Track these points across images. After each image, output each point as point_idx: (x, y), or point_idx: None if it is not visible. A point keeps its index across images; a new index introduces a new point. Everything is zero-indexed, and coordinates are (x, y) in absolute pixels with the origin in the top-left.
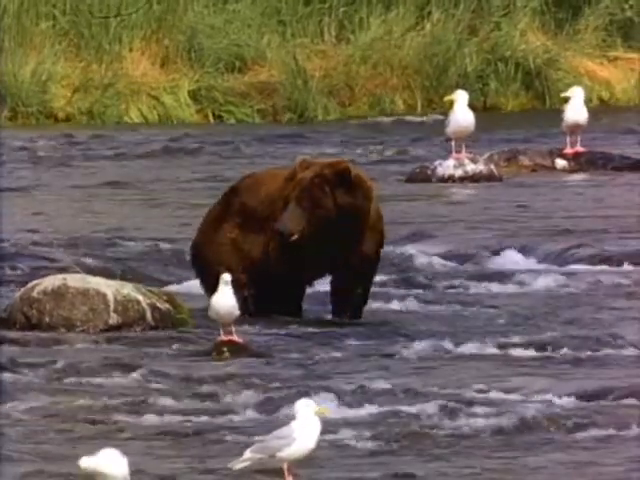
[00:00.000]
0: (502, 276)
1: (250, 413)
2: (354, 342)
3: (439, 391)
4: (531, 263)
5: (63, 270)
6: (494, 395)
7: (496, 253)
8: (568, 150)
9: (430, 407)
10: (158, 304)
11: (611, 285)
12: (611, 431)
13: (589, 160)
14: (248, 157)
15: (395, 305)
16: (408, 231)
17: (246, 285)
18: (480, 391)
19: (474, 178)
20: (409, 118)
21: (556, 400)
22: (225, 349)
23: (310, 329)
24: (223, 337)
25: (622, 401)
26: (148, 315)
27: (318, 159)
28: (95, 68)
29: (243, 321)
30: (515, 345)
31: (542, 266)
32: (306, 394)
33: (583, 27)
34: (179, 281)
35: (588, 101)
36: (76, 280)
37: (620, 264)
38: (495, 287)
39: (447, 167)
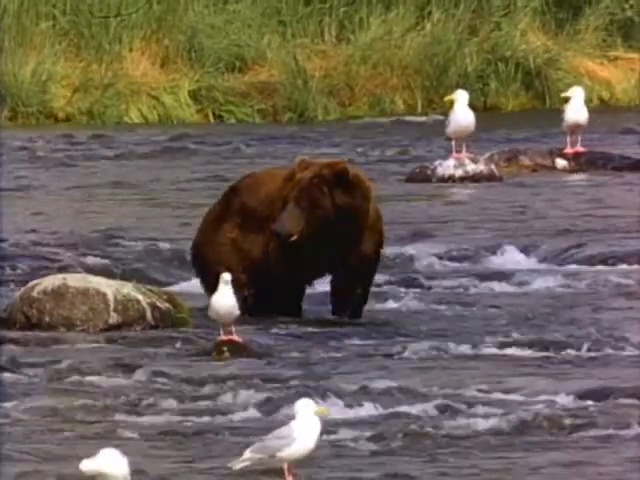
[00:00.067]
0: (502, 276)
1: (250, 413)
2: (354, 342)
3: (439, 391)
4: (531, 263)
5: (63, 270)
6: (494, 395)
7: (496, 253)
8: (568, 150)
9: (430, 407)
10: (158, 303)
11: (611, 285)
12: (611, 431)
13: (589, 160)
14: (248, 157)
15: (395, 305)
16: (408, 231)
17: (246, 285)
18: (480, 391)
19: (474, 178)
20: (409, 118)
21: (556, 400)
22: (225, 349)
23: (310, 329)
24: (223, 337)
25: (622, 401)
26: (148, 314)
27: (317, 159)
28: (95, 68)
29: (243, 321)
30: (515, 345)
31: (542, 266)
32: (306, 394)
33: (583, 27)
34: (179, 281)
35: (588, 101)
36: (76, 280)
37: (620, 264)
38: (495, 287)
39: (447, 167)
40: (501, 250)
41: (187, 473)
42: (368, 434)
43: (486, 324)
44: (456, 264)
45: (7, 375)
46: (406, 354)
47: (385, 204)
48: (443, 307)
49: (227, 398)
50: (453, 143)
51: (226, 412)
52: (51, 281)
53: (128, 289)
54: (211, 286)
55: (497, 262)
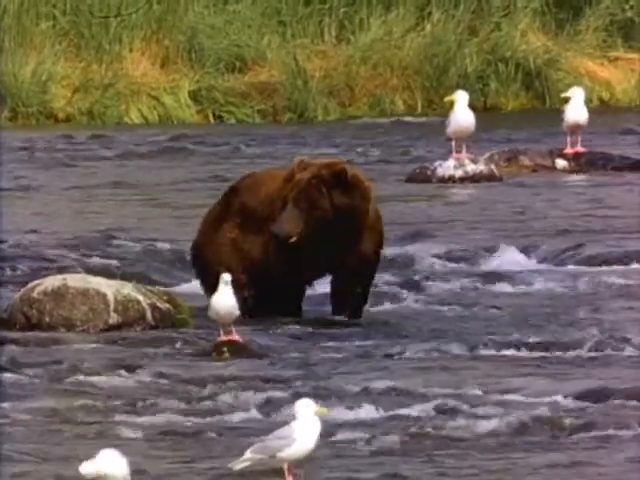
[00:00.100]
0: (502, 276)
1: (250, 413)
2: (354, 342)
3: (439, 391)
4: (531, 263)
5: (63, 270)
6: (494, 396)
7: (496, 253)
8: (568, 150)
9: (430, 408)
10: (158, 304)
11: (611, 285)
12: (611, 431)
13: (589, 160)
14: (248, 157)
15: (395, 305)
16: (408, 231)
17: (246, 285)
18: (480, 392)
19: (474, 178)
20: (409, 118)
21: (556, 401)
22: (225, 349)
23: (310, 329)
24: (223, 337)
25: (622, 401)
26: (148, 315)
27: (316, 159)
28: (95, 68)
29: (243, 321)
30: (515, 345)
31: (542, 266)
32: (306, 394)
33: (584, 27)
34: (179, 281)
35: (588, 101)
36: (76, 280)
37: (620, 264)
38: (495, 287)
39: (447, 167)
40: (501, 250)
41: (187, 473)
42: (368, 434)
43: (486, 324)
44: (456, 264)
45: (7, 375)
46: (406, 354)
47: (385, 204)
48: (443, 307)
49: (227, 398)
50: (453, 143)
51: (226, 412)
52: (51, 282)
53: (128, 289)
54: (211, 286)
55: (497, 262)
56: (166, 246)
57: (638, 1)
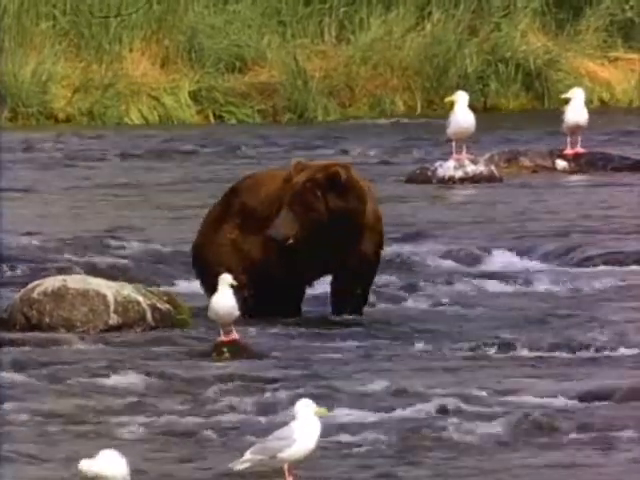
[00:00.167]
0: (502, 276)
1: (250, 413)
2: (354, 342)
3: (439, 391)
4: (531, 264)
5: (63, 271)
6: (494, 395)
7: (496, 254)
8: (568, 151)
9: (430, 408)
10: (158, 305)
11: (611, 285)
12: (611, 432)
13: (589, 161)
14: (248, 157)
15: (395, 305)
16: (408, 232)
17: (246, 286)
18: (480, 391)
19: (474, 179)
20: (409, 119)
21: (555, 401)
22: (225, 349)
23: (310, 329)
24: (223, 337)
25: (622, 401)
26: (148, 316)
27: (313, 161)
28: (95, 68)
29: (243, 321)
30: (515, 346)
31: (542, 266)
32: (306, 394)
33: (584, 28)
34: (179, 281)
35: (589, 102)
36: (76, 281)
37: (620, 264)
38: (495, 287)
39: (447, 168)
40: (501, 251)
41: (187, 473)
42: (368, 434)
43: (486, 324)
44: (456, 265)
45: (7, 376)
46: (406, 354)
47: (385, 205)
48: (443, 307)
49: (227, 399)
50: (453, 144)
51: (226, 412)
52: (51, 282)
53: (128, 290)
54: (211, 287)
55: (497, 263)
56: (166, 247)
57: (638, 1)
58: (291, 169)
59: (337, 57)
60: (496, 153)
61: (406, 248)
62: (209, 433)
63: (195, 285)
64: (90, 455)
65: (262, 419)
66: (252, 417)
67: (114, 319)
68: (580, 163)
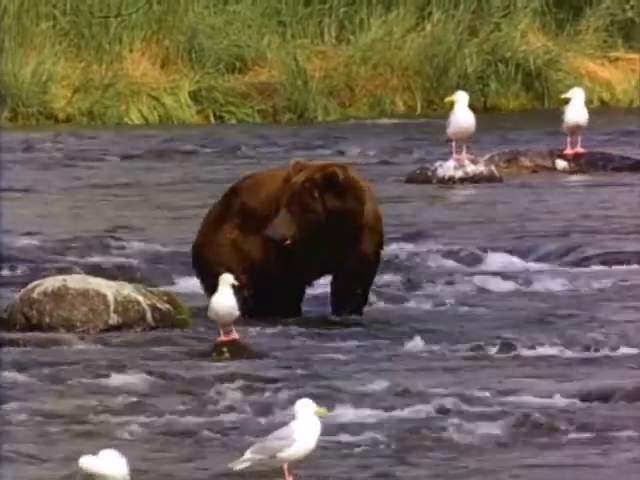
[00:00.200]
0: (502, 277)
1: (250, 413)
2: (354, 342)
3: (439, 391)
4: (531, 264)
5: (63, 271)
6: (494, 395)
7: (497, 253)
8: (568, 151)
9: (430, 408)
10: (158, 305)
11: (611, 285)
12: (611, 432)
13: (589, 161)
14: (248, 157)
15: (395, 305)
16: (408, 232)
17: (246, 286)
18: (480, 391)
19: (474, 179)
20: (409, 119)
21: (555, 401)
22: (225, 349)
23: (310, 329)
24: (223, 337)
25: (622, 401)
26: (148, 316)
27: (311, 161)
28: (95, 68)
29: (243, 321)
30: (515, 345)
31: (542, 267)
32: (306, 394)
33: (584, 28)
34: (179, 281)
35: (589, 102)
36: (76, 281)
37: (620, 264)
38: (495, 288)
39: (447, 168)
40: (501, 251)
41: (187, 473)
42: (368, 434)
43: (486, 324)
44: (456, 265)
45: (7, 376)
46: (406, 354)
47: (385, 205)
48: (443, 308)
49: (227, 399)
50: (453, 144)
51: (226, 412)
52: (51, 282)
53: (128, 290)
54: (211, 287)
55: (497, 263)
56: (166, 247)
57: (638, 1)
58: (290, 169)
59: (337, 57)
60: (496, 153)
61: (406, 248)
62: (209, 433)
63: (195, 285)
64: (90, 454)
65: (262, 419)
66: (252, 417)
67: (114, 319)
68: (580, 163)
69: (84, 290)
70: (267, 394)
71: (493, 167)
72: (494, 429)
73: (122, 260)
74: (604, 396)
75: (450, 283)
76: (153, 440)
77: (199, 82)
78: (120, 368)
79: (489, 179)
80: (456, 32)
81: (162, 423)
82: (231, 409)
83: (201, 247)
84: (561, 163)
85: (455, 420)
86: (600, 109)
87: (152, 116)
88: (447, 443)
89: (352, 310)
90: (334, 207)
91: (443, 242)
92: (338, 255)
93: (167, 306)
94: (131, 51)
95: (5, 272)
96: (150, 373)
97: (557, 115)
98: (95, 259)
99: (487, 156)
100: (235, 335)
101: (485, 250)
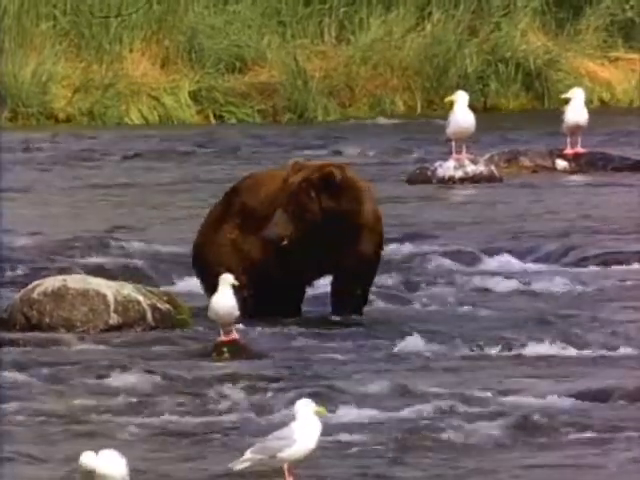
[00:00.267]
0: (502, 276)
1: (250, 413)
2: (354, 342)
3: (439, 391)
4: (531, 264)
5: (63, 271)
6: (494, 395)
7: (497, 253)
8: (568, 151)
9: (429, 407)
10: (158, 304)
11: (611, 285)
12: (611, 431)
13: (589, 161)
14: (248, 157)
15: (395, 305)
16: (408, 232)
17: (246, 286)
18: (480, 391)
19: (474, 179)
20: (409, 119)
21: (556, 400)
22: (225, 349)
23: (310, 329)
24: (223, 337)
25: (622, 401)
26: (148, 316)
27: (310, 161)
28: (95, 68)
29: (243, 321)
30: (515, 345)
31: (542, 267)
32: (306, 394)
33: (584, 27)
34: (179, 282)
35: (589, 102)
36: (76, 281)
37: (620, 264)
38: (495, 288)
39: (447, 168)
40: (501, 251)
41: (187, 473)
42: (368, 434)
43: (486, 325)
44: (456, 265)
45: (7, 376)
46: (406, 354)
47: (385, 205)
48: (443, 307)
49: (227, 398)
50: (453, 144)
51: (226, 412)
52: (51, 282)
53: (128, 290)
54: (211, 287)
55: (497, 263)
56: (166, 247)
57: (638, 1)
58: (289, 169)
59: (337, 57)
60: (496, 153)
61: (406, 248)
62: (209, 433)
63: (195, 285)
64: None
65: (262, 419)
66: (252, 417)
67: (114, 319)
68: (580, 163)
69: (84, 290)
70: (267, 394)
71: (493, 167)
72: (494, 429)
73: (122, 260)
74: (604, 396)
75: (450, 283)
76: (153, 440)
77: (199, 82)
78: (120, 368)
79: (489, 179)
80: (456, 32)
81: (162, 423)
82: (231, 409)
83: (201, 247)
84: (561, 163)
85: (455, 420)
86: (600, 109)
87: (152, 116)
88: (447, 443)
89: (352, 310)
90: (330, 207)
91: (443, 242)
92: (337, 255)
93: (167, 306)
94: (131, 51)
95: (5, 272)
96: (150, 373)
97: (557, 115)
98: (95, 259)
99: (487, 156)
100: (235, 335)
101: (485, 250)
